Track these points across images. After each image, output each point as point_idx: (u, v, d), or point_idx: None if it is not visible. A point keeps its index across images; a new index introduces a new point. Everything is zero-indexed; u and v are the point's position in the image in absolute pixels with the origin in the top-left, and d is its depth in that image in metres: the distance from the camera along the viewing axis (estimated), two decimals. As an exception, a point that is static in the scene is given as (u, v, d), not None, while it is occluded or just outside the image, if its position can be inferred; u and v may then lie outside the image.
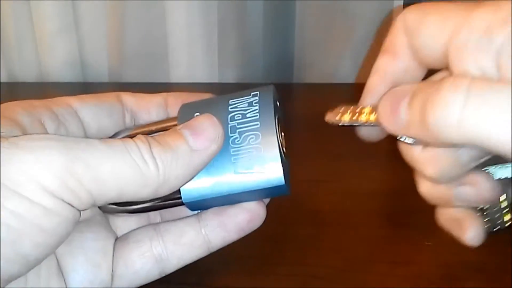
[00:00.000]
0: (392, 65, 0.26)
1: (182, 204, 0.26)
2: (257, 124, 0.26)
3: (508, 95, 0.20)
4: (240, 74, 0.69)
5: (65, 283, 0.26)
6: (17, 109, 0.25)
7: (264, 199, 0.27)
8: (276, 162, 0.25)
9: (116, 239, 0.28)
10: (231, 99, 0.27)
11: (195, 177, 0.25)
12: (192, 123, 0.25)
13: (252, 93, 0.27)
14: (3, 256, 0.21)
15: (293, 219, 0.42)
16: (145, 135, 0.24)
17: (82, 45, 0.69)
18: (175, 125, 0.26)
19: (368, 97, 0.26)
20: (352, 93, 0.58)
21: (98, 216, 0.28)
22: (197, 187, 0.26)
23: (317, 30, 0.68)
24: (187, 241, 0.27)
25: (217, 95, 0.29)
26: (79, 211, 0.23)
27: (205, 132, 0.25)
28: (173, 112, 0.29)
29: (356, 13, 0.66)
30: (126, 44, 0.68)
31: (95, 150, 0.23)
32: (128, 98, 0.30)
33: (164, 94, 0.30)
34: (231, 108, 0.27)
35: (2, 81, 0.70)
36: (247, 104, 0.27)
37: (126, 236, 0.28)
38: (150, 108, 0.30)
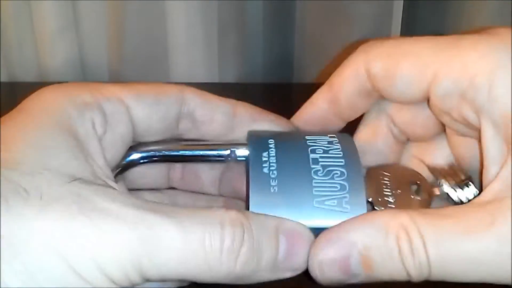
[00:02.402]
0: (332, 100, 0.26)
1: None
2: (342, 162, 0.24)
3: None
4: (240, 74, 0.69)
5: None
6: (69, 109, 0.22)
7: None
8: (362, 203, 0.23)
9: None
10: (307, 135, 0.26)
11: (269, 203, 0.23)
12: (295, 233, 0.22)
13: (329, 135, 0.26)
14: None
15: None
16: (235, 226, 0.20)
17: (82, 45, 0.69)
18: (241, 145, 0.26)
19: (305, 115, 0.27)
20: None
21: None
22: (269, 211, 0.23)
23: (317, 30, 0.68)
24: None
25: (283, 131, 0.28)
26: None
27: (297, 251, 0.22)
28: (240, 124, 0.27)
29: (356, 13, 0.66)
30: (126, 44, 0.68)
31: (167, 240, 0.20)
32: (192, 99, 0.27)
33: (233, 101, 0.27)
34: (309, 142, 0.26)
35: (2, 81, 0.70)
36: (326, 142, 0.26)
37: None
38: (215, 115, 0.27)
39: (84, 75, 0.70)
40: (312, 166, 0.24)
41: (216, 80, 0.68)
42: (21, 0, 0.66)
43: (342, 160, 0.25)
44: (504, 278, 0.19)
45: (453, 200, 0.25)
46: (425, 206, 0.25)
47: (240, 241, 0.20)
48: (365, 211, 0.23)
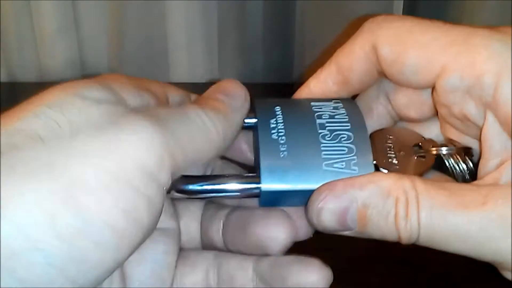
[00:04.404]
0: (342, 82, 0.27)
1: (256, 195, 0.25)
2: (348, 125, 0.25)
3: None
4: (240, 74, 0.69)
5: None
6: (125, 86, 0.23)
7: None
8: (369, 164, 0.24)
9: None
10: (312, 102, 0.27)
11: (279, 166, 0.24)
12: (221, 88, 0.26)
13: (333, 100, 0.27)
14: (103, 267, 0.19)
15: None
16: (192, 103, 0.25)
17: (82, 45, 0.69)
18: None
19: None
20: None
21: (171, 225, 0.26)
22: (280, 175, 0.24)
23: (317, 30, 0.68)
24: (237, 286, 0.26)
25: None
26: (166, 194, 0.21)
27: (235, 93, 0.26)
28: None
29: (356, 13, 0.66)
30: (126, 44, 0.68)
31: (179, 119, 0.22)
32: (174, 96, 0.28)
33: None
34: (315, 108, 0.26)
35: (2, 81, 0.70)
36: (332, 107, 0.26)
37: (187, 254, 0.27)
38: None
39: (84, 75, 0.70)
40: (320, 131, 0.25)
41: (216, 80, 0.68)
42: (21, 0, 0.66)
43: (348, 124, 0.25)
44: (483, 256, 0.21)
45: (447, 166, 0.26)
46: (427, 166, 0.26)
47: (203, 110, 0.24)
48: (372, 171, 0.24)
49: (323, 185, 0.23)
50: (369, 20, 0.26)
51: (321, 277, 0.25)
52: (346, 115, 0.26)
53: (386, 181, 0.22)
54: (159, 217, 0.21)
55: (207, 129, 0.23)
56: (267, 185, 0.24)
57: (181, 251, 0.27)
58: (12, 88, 0.68)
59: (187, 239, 0.28)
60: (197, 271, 0.26)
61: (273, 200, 0.25)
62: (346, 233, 0.23)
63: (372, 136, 0.27)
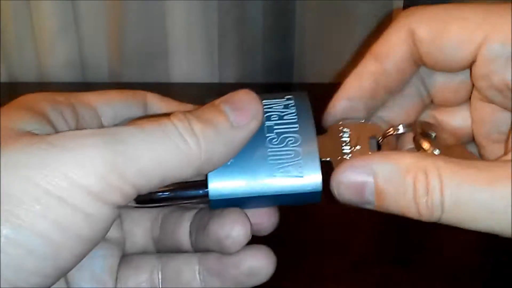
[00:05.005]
0: (379, 72, 0.26)
1: (206, 201, 0.25)
2: (296, 127, 0.25)
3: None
4: (240, 74, 0.69)
5: None
6: (43, 103, 0.24)
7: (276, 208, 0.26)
8: (316, 167, 0.24)
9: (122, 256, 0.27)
10: (264, 100, 0.26)
11: (225, 173, 0.24)
12: (232, 97, 0.24)
13: (286, 97, 0.26)
14: (42, 273, 0.20)
15: (294, 221, 0.42)
16: (183, 112, 0.23)
17: (82, 45, 0.69)
18: None
19: (344, 97, 0.27)
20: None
21: (111, 234, 0.27)
22: (227, 184, 0.24)
23: (317, 30, 0.68)
24: (183, 282, 0.26)
25: None
26: (118, 210, 0.21)
27: (246, 107, 0.23)
28: None
29: (356, 13, 0.66)
30: (126, 44, 0.68)
31: (133, 138, 0.21)
32: (154, 102, 0.28)
33: (190, 106, 0.28)
34: (266, 108, 0.26)
35: (2, 81, 0.70)
36: (282, 106, 0.26)
37: (130, 258, 0.27)
38: None
39: (84, 75, 0.70)
40: (267, 135, 0.25)
41: (216, 80, 0.68)
42: (21, 0, 0.66)
43: (297, 125, 0.25)
44: (509, 231, 0.21)
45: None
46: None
47: (188, 123, 0.22)
48: (319, 174, 0.24)
49: (344, 162, 0.23)
50: (404, 11, 0.25)
51: (271, 261, 0.25)
52: (296, 115, 0.25)
53: (406, 160, 0.22)
54: (107, 230, 0.21)
55: (185, 146, 0.22)
56: (214, 194, 0.24)
57: (125, 256, 0.27)
58: (12, 88, 0.68)
59: (130, 245, 0.28)
60: (140, 272, 0.27)
61: (223, 205, 0.25)
62: (368, 206, 0.23)
63: (329, 130, 0.26)
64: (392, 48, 0.25)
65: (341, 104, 0.27)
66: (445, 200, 0.21)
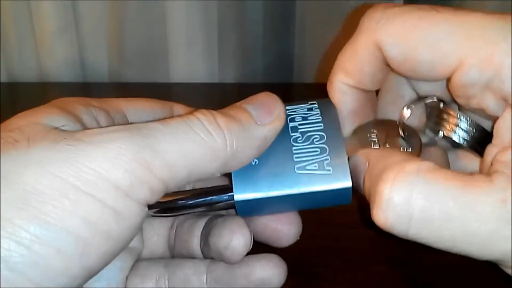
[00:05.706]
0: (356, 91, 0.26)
1: (232, 206, 0.24)
2: (321, 125, 0.25)
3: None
4: (240, 74, 0.69)
5: None
6: (76, 105, 0.24)
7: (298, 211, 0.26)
8: (344, 162, 0.24)
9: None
10: (287, 106, 0.26)
11: (250, 174, 0.23)
12: (254, 99, 0.24)
13: (309, 102, 0.26)
14: (70, 273, 0.20)
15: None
16: (207, 109, 0.23)
17: (82, 45, 0.69)
18: None
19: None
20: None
21: (135, 243, 0.26)
22: (252, 183, 0.23)
23: (317, 30, 0.68)
24: None
25: None
26: (146, 209, 0.21)
27: (268, 107, 0.23)
28: None
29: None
30: (126, 44, 0.68)
31: (159, 133, 0.21)
32: (181, 111, 0.28)
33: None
34: (289, 112, 0.25)
35: (2, 81, 0.70)
36: (306, 109, 0.26)
37: (137, 264, 0.27)
38: None
39: (84, 75, 0.70)
40: (291, 134, 0.25)
41: (216, 80, 0.68)
42: (21, 0, 0.66)
43: (321, 124, 0.25)
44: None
45: (453, 141, 0.25)
46: (416, 154, 0.25)
47: (213, 118, 0.22)
48: (347, 170, 0.23)
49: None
50: (367, 17, 0.24)
51: (282, 270, 0.25)
52: (320, 116, 0.25)
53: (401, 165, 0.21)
54: (136, 231, 0.21)
55: (210, 138, 0.21)
56: (240, 195, 0.24)
57: (136, 263, 0.27)
58: (12, 88, 0.68)
59: (147, 253, 0.28)
60: (146, 280, 0.26)
61: (250, 209, 0.24)
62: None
63: (355, 131, 0.26)
64: (363, 64, 0.24)
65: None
66: (415, 214, 0.21)
